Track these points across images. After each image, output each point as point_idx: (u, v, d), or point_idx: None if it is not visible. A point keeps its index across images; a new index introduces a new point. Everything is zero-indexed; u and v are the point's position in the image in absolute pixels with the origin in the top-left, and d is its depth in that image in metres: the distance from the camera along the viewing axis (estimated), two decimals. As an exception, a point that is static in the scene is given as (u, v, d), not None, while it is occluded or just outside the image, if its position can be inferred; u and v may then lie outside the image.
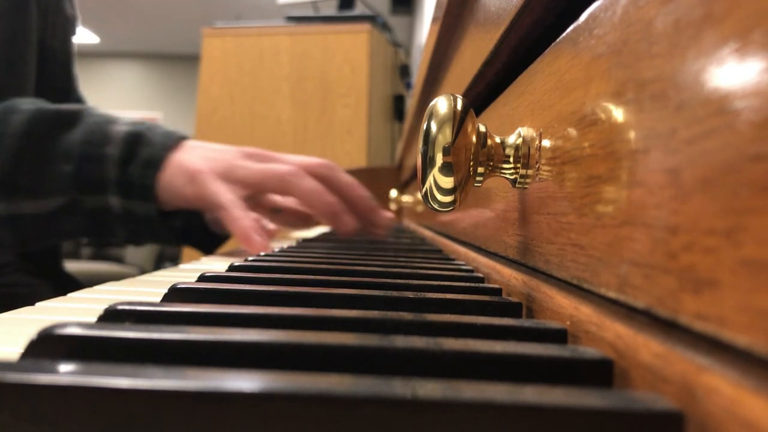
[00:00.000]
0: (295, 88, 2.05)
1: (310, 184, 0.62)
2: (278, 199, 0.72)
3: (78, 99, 0.96)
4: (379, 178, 1.72)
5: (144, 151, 0.61)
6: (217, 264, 0.54)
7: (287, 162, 0.63)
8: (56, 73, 0.84)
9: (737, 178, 0.12)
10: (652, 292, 0.16)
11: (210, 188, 0.59)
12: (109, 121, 0.63)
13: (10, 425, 0.13)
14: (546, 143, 0.27)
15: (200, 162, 0.61)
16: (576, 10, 0.24)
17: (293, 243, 0.68)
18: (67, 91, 0.86)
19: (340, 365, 0.17)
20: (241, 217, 0.58)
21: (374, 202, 0.68)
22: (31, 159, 0.60)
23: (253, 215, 0.61)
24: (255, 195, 0.65)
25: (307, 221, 0.74)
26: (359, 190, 0.67)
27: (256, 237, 0.57)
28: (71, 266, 1.06)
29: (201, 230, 0.78)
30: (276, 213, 0.72)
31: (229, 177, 0.61)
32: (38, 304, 0.30)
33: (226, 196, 0.59)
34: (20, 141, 0.60)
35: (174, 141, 0.63)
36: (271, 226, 0.67)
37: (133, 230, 0.63)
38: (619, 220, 0.18)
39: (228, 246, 0.84)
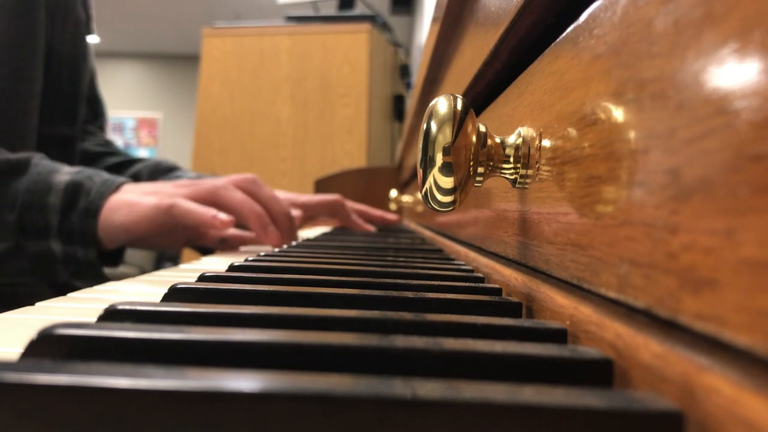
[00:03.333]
0: (295, 88, 2.05)
1: (239, 195, 0.67)
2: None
3: (94, 100, 0.96)
4: (379, 178, 1.72)
5: (83, 200, 0.65)
6: (217, 264, 0.54)
7: (215, 184, 0.68)
8: (63, 77, 0.84)
9: (737, 178, 0.12)
10: (652, 292, 0.16)
11: (149, 204, 0.64)
12: (53, 170, 0.67)
13: (10, 425, 0.13)
14: (546, 143, 0.27)
15: (137, 196, 0.66)
16: (576, 10, 0.24)
17: (293, 243, 0.68)
18: (75, 95, 0.87)
19: (340, 365, 0.17)
20: (196, 206, 0.63)
21: (292, 222, 0.72)
22: None
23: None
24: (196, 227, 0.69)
25: (245, 242, 0.79)
26: (281, 207, 0.71)
27: (221, 215, 0.62)
28: (71, 266, 1.06)
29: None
30: (222, 243, 0.78)
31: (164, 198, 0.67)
32: (38, 304, 0.30)
33: (171, 198, 0.64)
34: None
35: (111, 189, 0.66)
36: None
37: (74, 272, 0.68)
38: (619, 220, 0.18)
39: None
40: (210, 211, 0.63)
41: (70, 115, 0.87)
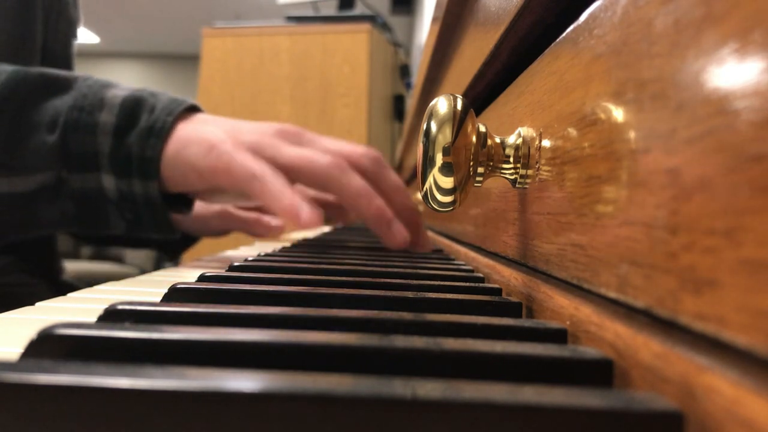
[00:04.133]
0: (295, 88, 2.05)
1: (356, 182, 0.51)
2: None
3: None
4: (379, 178, 1.71)
5: (145, 117, 0.50)
6: (216, 264, 0.54)
7: (328, 150, 0.53)
8: None
9: (737, 178, 0.12)
10: (652, 292, 0.16)
11: (237, 158, 0.49)
12: (106, 84, 0.53)
13: (10, 425, 0.13)
14: (546, 143, 0.27)
15: (220, 133, 0.50)
16: (576, 10, 0.24)
17: (293, 243, 0.68)
18: None
19: (340, 365, 0.17)
20: (283, 189, 0.48)
21: (419, 216, 0.57)
22: (8, 126, 0.50)
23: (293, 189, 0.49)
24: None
25: (344, 216, 0.65)
26: (405, 198, 0.56)
27: (307, 211, 0.47)
28: (71, 266, 1.05)
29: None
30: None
31: (258, 153, 0.50)
32: (38, 304, 0.30)
33: (260, 165, 0.49)
34: None
35: (183, 108, 0.52)
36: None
37: (132, 219, 0.53)
38: (619, 220, 0.18)
39: (227, 243, 0.84)
40: (295, 204, 0.47)
41: None
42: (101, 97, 0.51)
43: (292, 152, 0.51)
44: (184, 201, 0.56)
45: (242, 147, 0.50)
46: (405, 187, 0.56)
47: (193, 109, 0.54)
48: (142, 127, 0.50)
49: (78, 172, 0.51)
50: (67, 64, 0.85)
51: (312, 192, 0.62)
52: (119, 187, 0.51)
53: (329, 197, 0.63)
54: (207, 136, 0.50)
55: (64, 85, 0.52)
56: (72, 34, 0.86)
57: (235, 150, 0.49)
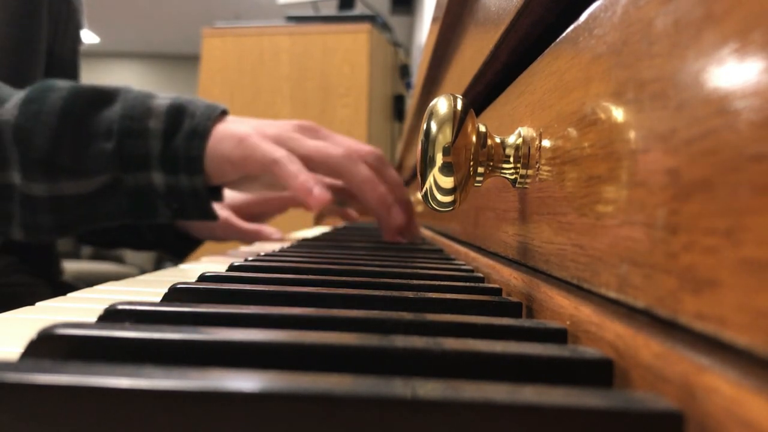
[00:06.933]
0: (295, 88, 2.05)
1: (364, 171, 0.60)
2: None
3: None
4: (379, 178, 1.72)
5: (188, 122, 0.59)
6: (217, 264, 0.54)
7: (341, 144, 0.63)
8: None
9: (737, 178, 0.12)
10: (652, 292, 0.16)
11: (261, 147, 0.58)
12: (148, 95, 0.61)
13: (10, 425, 0.13)
14: (546, 143, 0.27)
15: (248, 128, 0.60)
16: (576, 10, 0.24)
17: (293, 243, 0.68)
18: None
19: (340, 365, 0.17)
20: (299, 171, 0.57)
21: (413, 208, 0.67)
22: (71, 137, 0.58)
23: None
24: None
25: (351, 201, 0.72)
26: (403, 191, 0.65)
27: (317, 189, 0.56)
28: (71, 266, 1.05)
29: (174, 234, 0.79)
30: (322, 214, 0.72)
31: (280, 143, 0.60)
32: (38, 304, 0.30)
33: (280, 152, 0.58)
34: (58, 119, 0.58)
35: (217, 112, 0.61)
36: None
37: (177, 209, 0.61)
38: (619, 220, 0.18)
39: (228, 246, 0.85)
40: (309, 182, 0.56)
41: None
42: (148, 106, 0.59)
43: (309, 144, 0.61)
44: (219, 191, 0.65)
45: (267, 138, 0.59)
46: (402, 182, 0.66)
47: (224, 113, 0.63)
48: (186, 131, 0.59)
49: (131, 172, 0.59)
50: (74, 69, 0.85)
51: (328, 180, 0.70)
52: (167, 182, 0.59)
53: (340, 185, 0.71)
54: (237, 132, 0.59)
55: (110, 98, 0.60)
56: (78, 39, 0.86)
57: (261, 141, 0.58)
